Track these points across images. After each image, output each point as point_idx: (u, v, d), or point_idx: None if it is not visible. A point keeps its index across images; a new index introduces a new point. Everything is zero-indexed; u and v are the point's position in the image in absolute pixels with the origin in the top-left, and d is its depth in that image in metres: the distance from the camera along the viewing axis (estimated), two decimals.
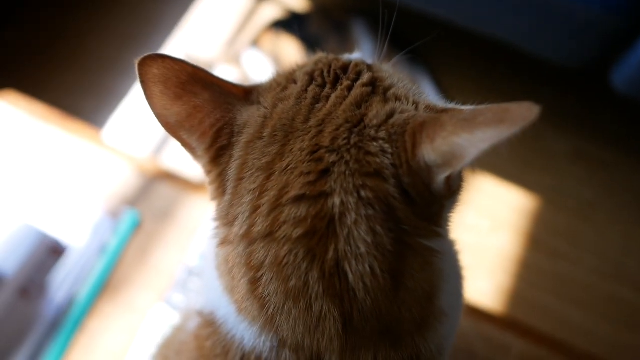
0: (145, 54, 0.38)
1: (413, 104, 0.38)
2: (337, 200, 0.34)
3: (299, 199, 0.35)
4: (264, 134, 0.38)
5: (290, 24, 1.56)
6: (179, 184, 0.86)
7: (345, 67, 0.42)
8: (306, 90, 0.40)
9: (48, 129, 0.90)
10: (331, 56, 0.44)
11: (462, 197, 0.40)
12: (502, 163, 1.54)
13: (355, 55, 0.46)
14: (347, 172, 0.35)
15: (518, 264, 1.38)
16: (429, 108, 0.38)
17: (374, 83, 0.40)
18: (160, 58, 0.38)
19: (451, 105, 0.38)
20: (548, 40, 1.22)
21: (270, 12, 1.77)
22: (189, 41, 1.80)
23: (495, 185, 1.50)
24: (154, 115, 0.40)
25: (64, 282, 0.80)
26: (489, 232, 1.44)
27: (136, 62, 0.38)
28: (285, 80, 0.42)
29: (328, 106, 0.38)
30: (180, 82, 0.39)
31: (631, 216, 1.43)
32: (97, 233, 0.82)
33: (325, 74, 0.41)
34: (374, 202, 0.34)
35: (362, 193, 0.34)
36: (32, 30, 1.80)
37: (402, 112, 0.37)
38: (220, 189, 0.40)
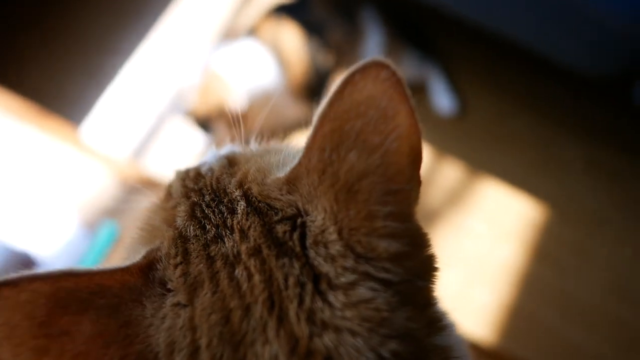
0: None
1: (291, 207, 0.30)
2: None
3: None
4: (201, 357, 0.26)
5: (293, 8, 1.46)
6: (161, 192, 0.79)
7: (215, 198, 0.32)
8: (211, 260, 0.29)
9: (20, 127, 0.82)
10: (190, 178, 0.35)
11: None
12: (509, 167, 1.47)
13: (209, 156, 0.37)
14: (360, 347, 0.25)
15: (521, 276, 1.32)
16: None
17: (265, 208, 0.30)
18: None
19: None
20: (572, 48, 1.14)
21: None
22: (180, 24, 1.70)
23: (501, 190, 1.44)
24: None
25: None
26: (492, 241, 1.38)
27: None
28: (170, 234, 0.31)
29: (257, 276, 0.27)
30: (36, 324, 0.26)
31: None
32: (71, 246, 0.76)
33: (212, 217, 0.31)
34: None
35: (385, 354, 0.26)
36: (8, 8, 1.68)
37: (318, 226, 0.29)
38: None
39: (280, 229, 0.29)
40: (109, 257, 0.75)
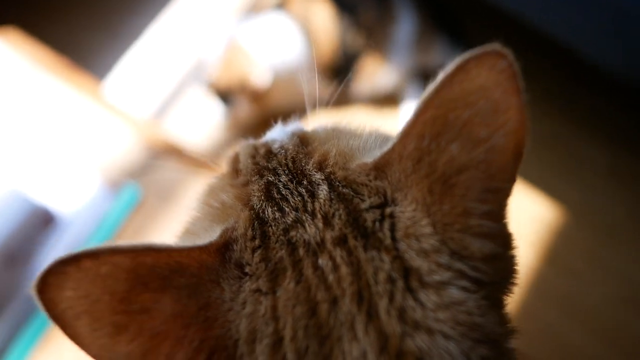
0: (46, 268, 0.24)
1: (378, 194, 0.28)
2: None
3: None
4: (285, 349, 0.24)
5: None
6: (185, 160, 0.77)
7: (293, 179, 0.30)
8: (292, 247, 0.27)
9: (46, 79, 0.80)
10: (261, 155, 0.33)
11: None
12: (527, 166, 1.45)
13: (278, 133, 0.35)
14: (452, 351, 0.24)
15: (530, 275, 1.32)
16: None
17: (350, 194, 0.28)
18: (72, 265, 0.24)
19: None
20: (609, 50, 1.11)
21: None
22: None
23: (518, 188, 1.42)
24: None
25: (53, 253, 0.72)
26: None
27: (33, 286, 0.24)
28: (246, 215, 0.29)
29: (344, 268, 0.26)
30: (117, 299, 0.25)
31: None
32: (92, 205, 0.74)
33: (290, 199, 0.29)
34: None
35: (475, 358, 0.25)
36: None
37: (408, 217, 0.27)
38: None
39: (368, 217, 0.27)
40: (131, 219, 0.73)
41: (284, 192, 0.29)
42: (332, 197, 0.28)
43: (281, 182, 0.30)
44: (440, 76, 0.26)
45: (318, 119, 0.41)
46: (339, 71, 1.41)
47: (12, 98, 0.80)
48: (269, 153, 0.33)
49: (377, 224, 0.27)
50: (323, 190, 0.28)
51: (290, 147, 0.32)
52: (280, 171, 0.31)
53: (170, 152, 0.78)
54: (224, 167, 0.35)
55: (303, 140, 0.33)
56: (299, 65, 1.38)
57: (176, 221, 0.77)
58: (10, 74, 0.80)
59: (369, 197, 0.28)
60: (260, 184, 0.30)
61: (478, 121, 0.26)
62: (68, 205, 0.74)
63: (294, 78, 1.39)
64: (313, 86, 1.48)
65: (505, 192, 0.28)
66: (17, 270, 0.70)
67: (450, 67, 0.26)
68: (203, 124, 1.48)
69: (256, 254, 0.27)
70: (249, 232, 0.28)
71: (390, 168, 0.28)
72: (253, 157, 0.33)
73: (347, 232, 0.26)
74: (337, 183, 0.29)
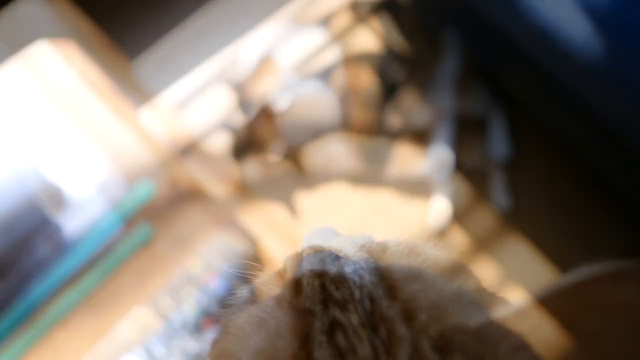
0: None
1: None
2: None
3: None
4: None
5: (381, 8, 1.41)
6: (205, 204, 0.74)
7: (366, 323, 0.24)
8: None
9: (81, 52, 0.78)
10: (331, 279, 0.26)
11: None
12: (544, 231, 1.42)
13: (346, 244, 0.29)
14: None
15: None
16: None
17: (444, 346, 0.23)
18: None
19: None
20: None
21: None
22: None
23: (527, 250, 1.40)
24: None
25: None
26: (504, 293, 1.34)
27: None
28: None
29: None
30: None
31: None
32: (104, 192, 0.72)
33: (359, 350, 0.23)
34: None
35: None
36: None
37: None
38: None
39: None
40: (137, 256, 0.70)
41: (353, 340, 0.23)
42: None
43: (351, 326, 0.24)
44: (582, 272, 0.24)
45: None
46: (377, 102, 1.40)
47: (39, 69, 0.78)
48: (341, 281, 0.26)
49: None
50: (405, 350, 0.22)
51: (367, 277, 0.26)
52: (351, 308, 0.24)
53: (192, 195, 0.75)
54: (284, 268, 0.29)
55: (384, 273, 0.26)
56: (327, 95, 1.37)
57: (184, 267, 0.75)
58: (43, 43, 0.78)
59: None
60: (324, 321, 0.24)
61: (611, 337, 0.23)
62: (80, 188, 0.72)
63: (314, 111, 1.38)
64: (335, 115, 1.45)
65: None
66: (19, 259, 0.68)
67: (594, 268, 0.24)
68: (219, 123, 1.47)
69: None
70: None
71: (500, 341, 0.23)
72: (321, 279, 0.26)
73: None
74: (426, 344, 0.23)
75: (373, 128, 1.40)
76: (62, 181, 0.70)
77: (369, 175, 1.40)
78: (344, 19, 1.40)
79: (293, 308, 0.25)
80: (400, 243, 0.29)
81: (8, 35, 0.79)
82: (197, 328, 0.65)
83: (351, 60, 1.35)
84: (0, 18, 0.80)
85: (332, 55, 1.36)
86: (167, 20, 1.53)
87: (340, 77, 1.33)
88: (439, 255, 0.28)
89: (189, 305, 0.67)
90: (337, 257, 0.27)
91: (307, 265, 0.27)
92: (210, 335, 0.64)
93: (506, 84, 1.46)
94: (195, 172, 0.77)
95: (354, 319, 0.24)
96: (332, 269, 0.26)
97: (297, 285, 0.26)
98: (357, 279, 0.25)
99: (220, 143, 1.45)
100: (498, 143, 1.47)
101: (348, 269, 0.26)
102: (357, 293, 0.25)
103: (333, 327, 0.24)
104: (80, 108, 0.75)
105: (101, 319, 0.66)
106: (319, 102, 1.34)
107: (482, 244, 1.43)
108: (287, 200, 1.48)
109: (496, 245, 1.41)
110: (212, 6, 1.59)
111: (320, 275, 0.26)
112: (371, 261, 0.26)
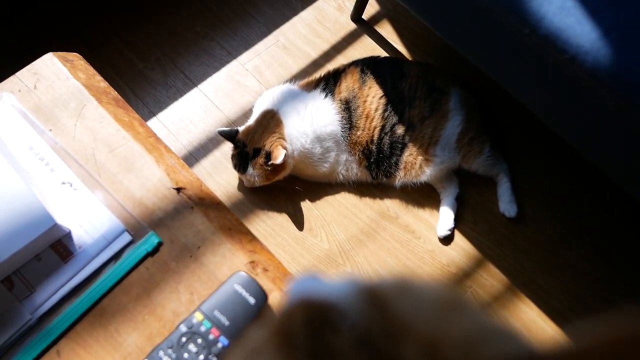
0: None
1: None
2: None
3: None
4: None
5: (385, 68, 1.44)
6: (215, 216, 0.74)
7: None
8: None
9: (99, 114, 0.80)
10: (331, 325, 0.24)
11: None
12: (552, 294, 1.38)
13: (336, 290, 0.27)
14: None
15: None
16: None
17: None
18: None
19: None
20: None
21: (370, 46, 1.66)
22: (280, 43, 1.70)
23: (534, 313, 1.35)
24: None
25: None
26: None
27: None
28: None
29: None
30: None
31: None
32: (104, 240, 0.72)
33: None
34: None
35: None
36: None
37: None
38: None
39: None
40: (143, 267, 0.70)
41: None
42: None
43: None
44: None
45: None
46: (376, 161, 1.41)
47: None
48: (336, 331, 0.24)
49: None
50: None
51: (363, 318, 0.24)
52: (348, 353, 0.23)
53: (200, 204, 0.75)
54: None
55: (382, 309, 0.24)
56: (325, 150, 1.38)
57: (189, 279, 0.73)
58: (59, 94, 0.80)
59: None
60: None
61: None
62: (83, 235, 0.71)
63: (310, 164, 1.39)
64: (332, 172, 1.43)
65: None
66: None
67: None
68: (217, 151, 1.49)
69: None
70: None
71: None
72: (320, 325, 0.24)
73: None
74: None
75: (378, 185, 1.41)
76: (63, 220, 0.70)
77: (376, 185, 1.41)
78: (349, 82, 1.42)
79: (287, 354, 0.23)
80: (391, 283, 0.26)
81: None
82: None
83: (354, 122, 1.36)
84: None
85: None
86: (194, 71, 1.57)
87: None
88: (433, 287, 0.26)
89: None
90: (337, 313, 0.25)
91: (307, 314, 0.25)
92: None
93: None
94: (202, 181, 0.77)
95: None
96: (332, 317, 0.24)
97: (289, 327, 0.24)
98: (351, 332, 0.23)
99: (225, 152, 1.48)
100: (506, 200, 1.47)
101: (344, 321, 0.24)
102: (348, 338, 0.23)
103: None
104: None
105: (108, 328, 0.65)
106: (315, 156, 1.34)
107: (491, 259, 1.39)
108: (293, 211, 1.47)
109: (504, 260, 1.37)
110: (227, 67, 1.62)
111: (320, 322, 0.24)
112: (370, 314, 0.24)
